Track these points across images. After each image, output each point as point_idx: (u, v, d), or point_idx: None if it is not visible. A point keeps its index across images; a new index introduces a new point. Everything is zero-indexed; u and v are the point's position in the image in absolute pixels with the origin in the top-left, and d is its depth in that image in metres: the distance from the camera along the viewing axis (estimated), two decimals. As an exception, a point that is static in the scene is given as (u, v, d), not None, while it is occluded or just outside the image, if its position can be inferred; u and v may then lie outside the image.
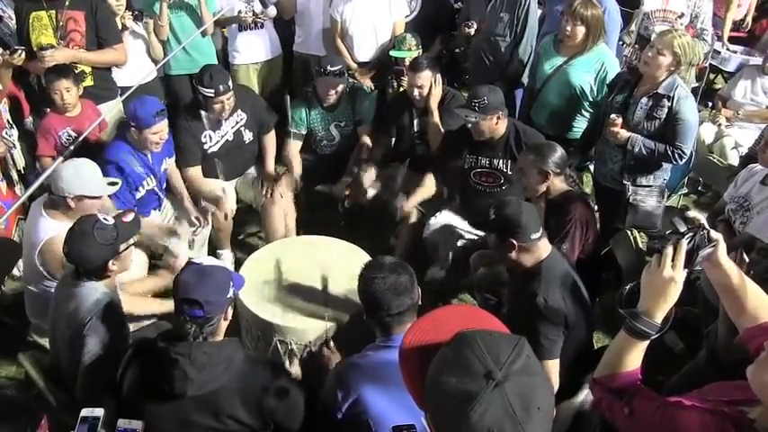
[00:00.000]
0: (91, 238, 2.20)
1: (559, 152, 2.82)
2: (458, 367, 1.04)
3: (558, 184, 2.84)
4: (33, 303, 2.82)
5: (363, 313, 2.10)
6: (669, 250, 1.43)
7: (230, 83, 3.42)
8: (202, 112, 3.49)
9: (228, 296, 1.92)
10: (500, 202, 2.46)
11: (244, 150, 3.72)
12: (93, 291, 2.25)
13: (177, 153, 3.53)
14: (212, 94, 3.34)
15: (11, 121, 3.54)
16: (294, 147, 3.83)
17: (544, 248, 2.37)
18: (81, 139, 3.24)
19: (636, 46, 4.27)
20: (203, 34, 4.12)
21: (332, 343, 2.31)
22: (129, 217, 2.37)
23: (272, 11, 4.17)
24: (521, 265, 2.38)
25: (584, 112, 3.70)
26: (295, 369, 2.33)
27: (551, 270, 2.34)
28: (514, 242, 2.33)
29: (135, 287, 2.78)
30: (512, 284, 2.54)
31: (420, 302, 2.07)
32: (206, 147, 3.56)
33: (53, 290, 2.52)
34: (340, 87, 3.71)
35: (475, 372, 1.02)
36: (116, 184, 2.85)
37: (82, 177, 2.68)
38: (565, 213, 2.78)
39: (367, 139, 3.84)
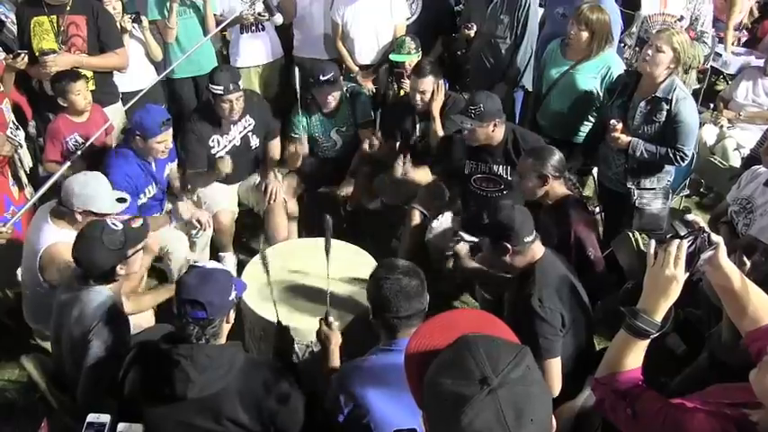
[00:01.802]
0: (99, 242, 2.22)
1: (558, 156, 2.81)
2: (455, 370, 1.04)
3: (558, 187, 2.84)
4: (31, 308, 2.83)
5: (367, 315, 2.09)
6: (672, 248, 1.44)
7: (241, 83, 3.43)
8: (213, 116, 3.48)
9: (231, 298, 1.93)
10: (494, 206, 2.47)
11: (249, 155, 3.73)
12: (99, 295, 2.26)
13: (182, 155, 3.52)
14: (221, 92, 3.35)
15: (15, 122, 3.54)
16: (297, 149, 3.81)
17: (538, 250, 2.38)
18: (88, 144, 3.26)
19: (636, 48, 4.27)
20: (205, 35, 4.11)
21: (331, 319, 2.25)
22: (138, 222, 2.39)
23: (279, 18, 4.08)
24: (514, 267, 2.40)
25: (590, 116, 3.70)
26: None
27: (545, 271, 2.35)
28: (508, 246, 2.34)
29: (137, 304, 2.73)
30: (510, 288, 2.54)
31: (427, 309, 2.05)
32: (213, 151, 3.56)
33: (50, 295, 2.52)
34: (337, 94, 3.70)
35: (471, 376, 1.02)
36: (125, 200, 2.84)
37: (92, 193, 2.68)
38: (565, 217, 2.77)
39: (368, 142, 3.84)
